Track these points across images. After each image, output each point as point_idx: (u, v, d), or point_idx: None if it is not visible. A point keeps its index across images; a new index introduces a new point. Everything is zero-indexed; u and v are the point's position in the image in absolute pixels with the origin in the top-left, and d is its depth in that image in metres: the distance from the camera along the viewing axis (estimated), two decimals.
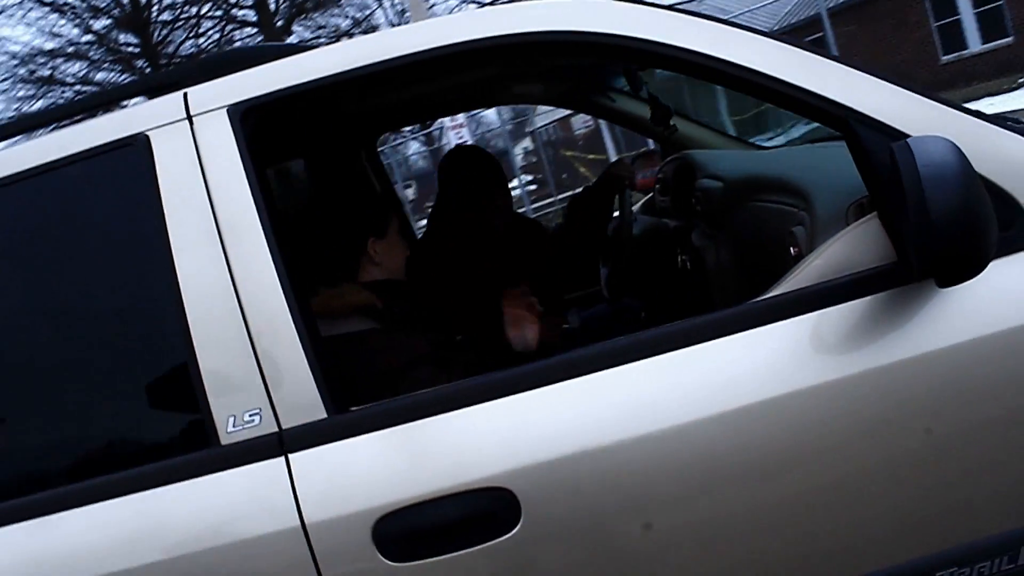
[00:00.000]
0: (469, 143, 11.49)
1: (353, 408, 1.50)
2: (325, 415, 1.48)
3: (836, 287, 1.44)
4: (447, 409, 1.47)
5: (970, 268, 1.28)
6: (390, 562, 1.43)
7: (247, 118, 1.57)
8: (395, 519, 1.43)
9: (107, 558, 1.47)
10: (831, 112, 1.49)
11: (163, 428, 1.58)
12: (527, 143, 27.00)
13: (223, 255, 1.52)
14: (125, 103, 1.79)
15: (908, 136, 1.42)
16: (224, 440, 1.49)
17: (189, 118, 1.58)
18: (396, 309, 1.92)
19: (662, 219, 2.97)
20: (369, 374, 1.81)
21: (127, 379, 1.59)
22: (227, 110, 1.57)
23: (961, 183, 1.23)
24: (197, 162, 1.56)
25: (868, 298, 1.42)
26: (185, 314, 1.50)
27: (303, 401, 1.48)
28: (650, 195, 3.23)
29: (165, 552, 1.46)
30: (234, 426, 1.49)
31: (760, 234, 2.12)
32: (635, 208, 3.38)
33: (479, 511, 1.44)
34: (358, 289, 1.90)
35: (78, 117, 1.75)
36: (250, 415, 1.49)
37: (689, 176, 2.55)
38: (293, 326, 1.49)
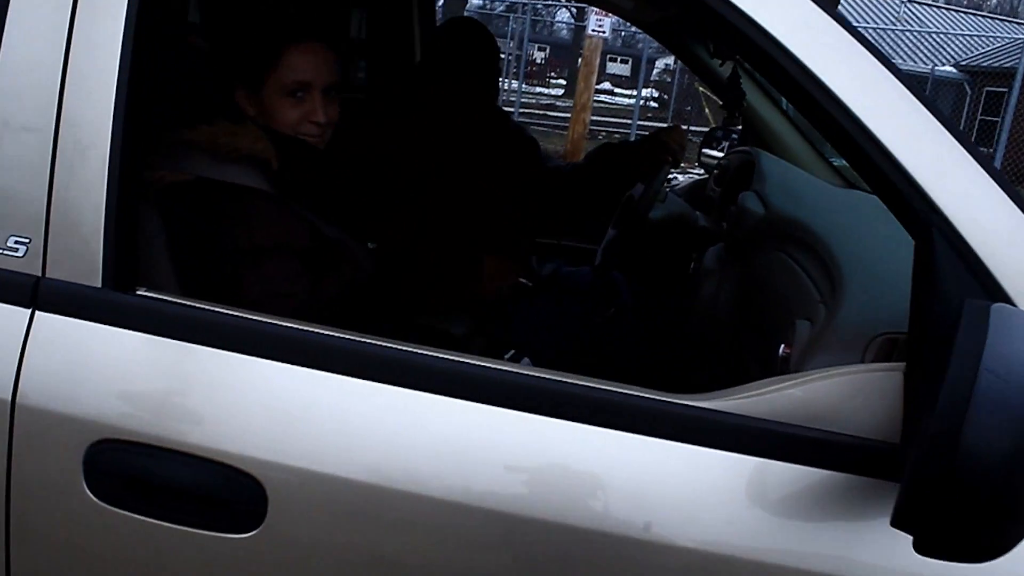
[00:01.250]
0: (604, 33, 10.75)
1: (139, 291, 1.13)
2: (99, 284, 1.11)
3: (797, 439, 1.01)
4: (247, 350, 1.10)
5: (978, 549, 0.84)
6: (92, 495, 1.09)
7: None
8: (118, 449, 1.08)
9: None
10: (911, 203, 1.03)
11: None
12: (669, 60, 25.76)
13: (66, 32, 1.12)
14: None
15: (1008, 300, 0.97)
16: None
17: None
18: (292, 176, 1.52)
19: (697, 211, 2.50)
20: (222, 243, 1.44)
21: None
22: None
23: None
24: None
25: (831, 474, 1.00)
26: None
27: (81, 254, 1.11)
28: (706, 177, 2.74)
29: None
30: None
31: (765, 297, 1.67)
32: (681, 187, 2.90)
33: (220, 491, 1.08)
34: (258, 135, 1.49)
35: None
36: (16, 241, 1.13)
37: (745, 179, 2.07)
38: (108, 156, 1.10)
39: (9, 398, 1.10)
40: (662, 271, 2.45)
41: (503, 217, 2.13)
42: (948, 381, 0.79)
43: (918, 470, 0.79)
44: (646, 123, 16.04)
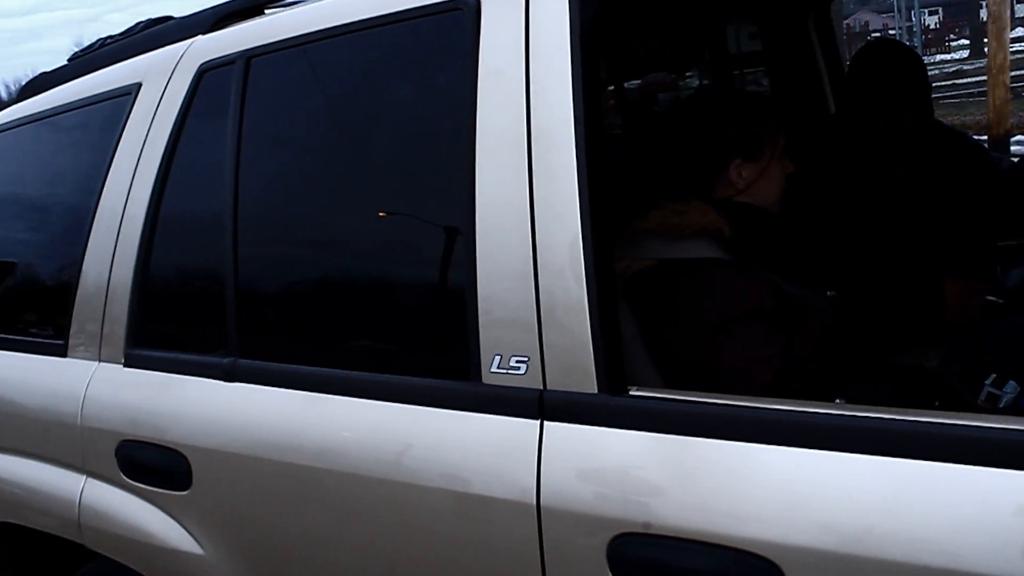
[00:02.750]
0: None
1: (631, 391, 1.20)
2: (596, 391, 1.20)
3: None
4: (743, 437, 1.11)
5: None
6: None
7: None
8: (639, 543, 1.14)
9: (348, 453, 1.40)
10: None
11: (428, 337, 1.42)
12: None
13: (527, 168, 1.24)
14: None
15: None
16: (486, 379, 1.28)
17: None
18: (749, 240, 1.52)
19: None
20: (692, 316, 1.47)
21: (404, 268, 1.45)
22: None
23: None
24: (524, 42, 1.26)
25: None
26: (475, 226, 1.28)
27: (575, 364, 1.21)
28: None
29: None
30: (499, 367, 1.27)
31: None
32: None
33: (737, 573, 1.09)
34: (706, 208, 1.52)
35: None
36: (517, 360, 1.26)
37: None
38: (584, 273, 1.19)
39: (534, 502, 1.21)
40: None
41: (956, 234, 1.95)
42: None
43: None
44: None
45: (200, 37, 1.80)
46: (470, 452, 1.29)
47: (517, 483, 1.23)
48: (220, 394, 1.60)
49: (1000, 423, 1.01)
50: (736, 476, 1.10)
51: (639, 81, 3.13)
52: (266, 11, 1.80)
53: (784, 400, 1.13)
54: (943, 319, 1.96)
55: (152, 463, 1.69)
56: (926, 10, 29.95)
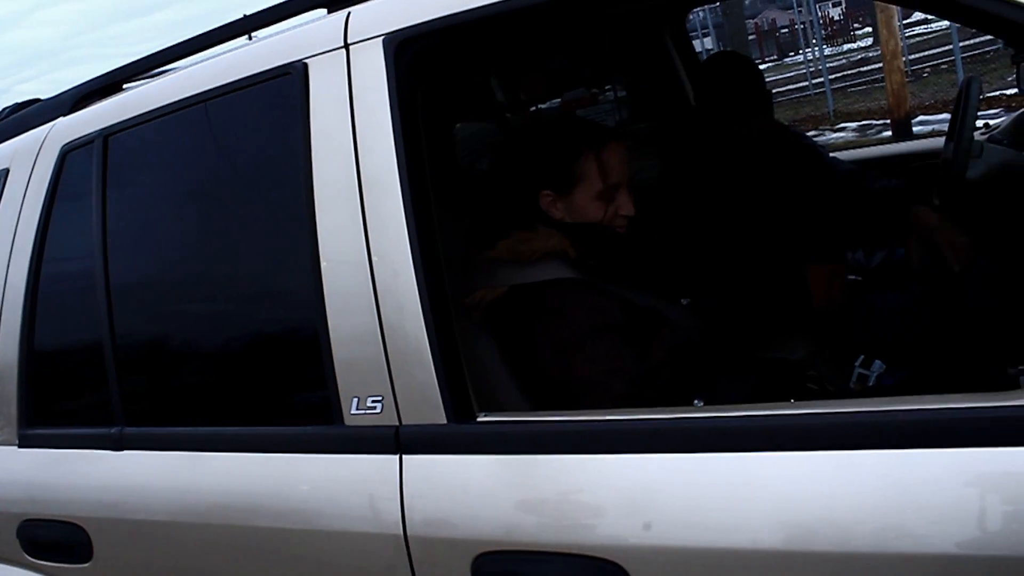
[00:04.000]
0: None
1: (480, 418, 1.27)
2: (445, 421, 1.27)
3: None
4: (583, 450, 1.19)
5: None
6: None
7: (403, 51, 1.31)
8: (498, 560, 1.22)
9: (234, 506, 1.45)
10: None
11: (295, 388, 1.48)
12: None
13: (361, 215, 1.32)
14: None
15: None
16: (348, 420, 1.35)
17: (346, 46, 1.36)
18: (593, 260, 1.60)
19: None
20: (547, 336, 1.55)
21: (265, 323, 1.51)
22: (383, 40, 1.32)
23: None
24: (348, 100, 1.34)
25: None
26: (320, 276, 1.35)
27: (424, 399, 1.28)
28: None
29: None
30: (357, 409, 1.34)
31: None
32: (1002, 128, 2.52)
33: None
34: (551, 232, 1.60)
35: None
36: (373, 400, 1.33)
37: None
38: (420, 312, 1.27)
39: (401, 532, 1.28)
40: (1001, 232, 2.19)
41: (811, 224, 2.07)
42: None
43: None
44: (970, 44, 14.10)
45: (61, 119, 1.85)
46: (341, 492, 1.36)
47: (384, 516, 1.29)
48: (111, 464, 1.64)
49: (826, 408, 1.10)
50: (580, 487, 1.18)
51: (559, 100, 3.18)
52: (124, 87, 1.85)
53: (620, 411, 1.22)
54: (810, 304, 2.08)
55: (53, 539, 1.72)
56: (830, 2, 30.88)
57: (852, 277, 2.08)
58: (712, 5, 13.68)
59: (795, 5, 18.96)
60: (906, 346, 1.90)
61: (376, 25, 1.33)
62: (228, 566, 1.50)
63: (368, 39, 1.33)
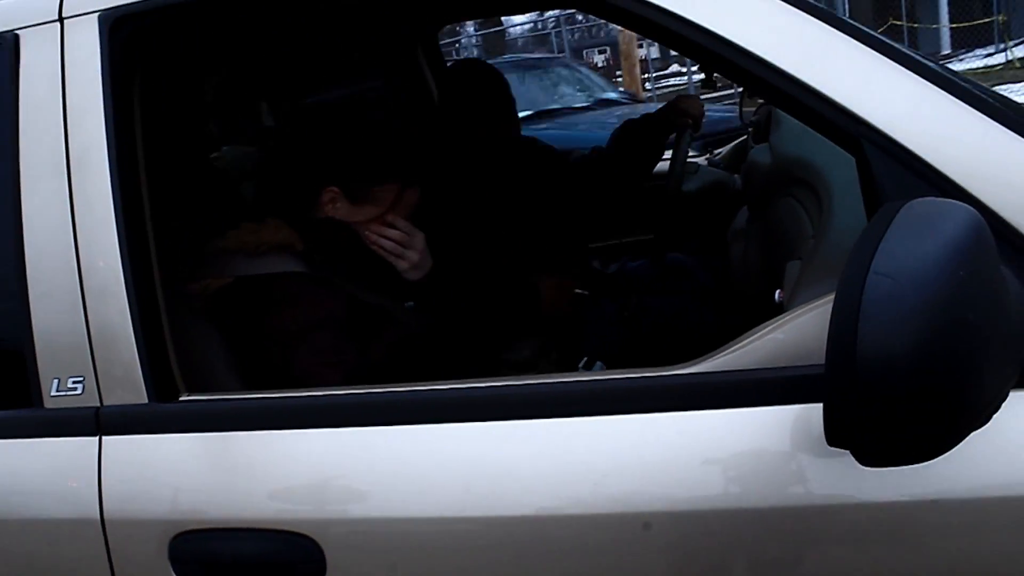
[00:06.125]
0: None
1: (182, 398, 1.27)
2: (145, 400, 1.26)
3: (769, 383, 1.04)
4: (275, 426, 1.22)
5: (910, 451, 0.84)
6: None
7: (119, 28, 1.30)
8: (194, 539, 1.22)
9: None
10: (834, 122, 1.04)
11: None
12: None
13: (68, 194, 1.29)
14: None
15: (965, 193, 0.98)
16: (47, 403, 1.30)
17: (61, 20, 1.33)
18: (320, 254, 1.64)
19: (734, 175, 2.46)
20: (270, 327, 1.57)
21: None
22: (99, 16, 1.30)
23: (935, 319, 0.77)
24: (60, 76, 1.31)
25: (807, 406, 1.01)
26: (24, 255, 1.30)
27: (126, 379, 1.27)
28: (744, 139, 2.69)
29: None
30: (57, 390, 1.30)
31: (777, 246, 1.65)
32: (723, 154, 2.83)
33: (283, 555, 1.19)
34: (279, 225, 1.63)
35: None
36: (74, 381, 1.29)
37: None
38: (125, 291, 1.26)
39: (98, 516, 1.25)
40: (706, 242, 2.44)
41: (544, 236, 2.20)
42: (840, 288, 0.81)
43: (830, 382, 0.81)
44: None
45: None
46: (38, 478, 1.31)
47: (80, 501, 1.26)
48: None
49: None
50: (274, 461, 1.21)
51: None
52: None
53: (316, 388, 1.26)
54: (539, 314, 2.20)
55: None
56: (596, 49, 32.71)
57: (580, 291, 2.23)
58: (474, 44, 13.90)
59: (556, 51, 19.64)
60: (623, 349, 2.05)
61: (93, 0, 1.31)
62: None
63: (83, 14, 1.31)
